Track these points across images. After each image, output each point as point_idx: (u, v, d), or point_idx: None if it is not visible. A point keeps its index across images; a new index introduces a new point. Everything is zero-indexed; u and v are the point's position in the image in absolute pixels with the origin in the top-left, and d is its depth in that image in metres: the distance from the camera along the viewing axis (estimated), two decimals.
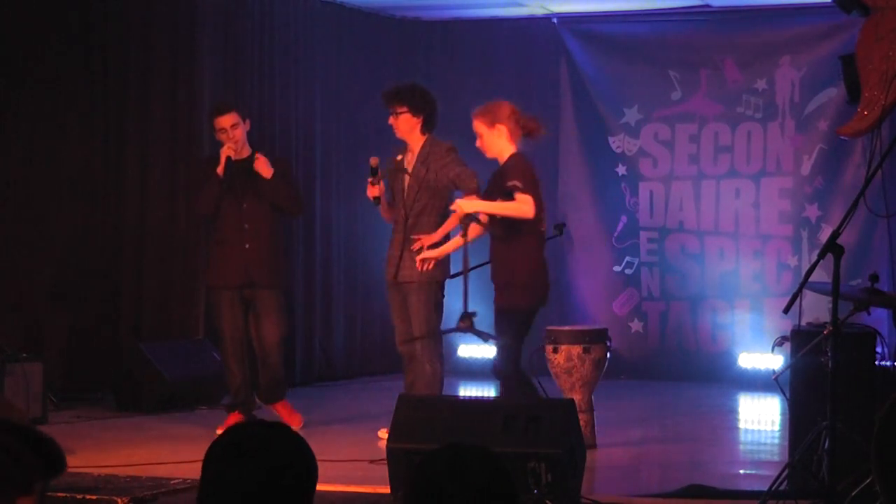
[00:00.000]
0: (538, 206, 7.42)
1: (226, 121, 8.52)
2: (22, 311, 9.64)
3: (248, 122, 8.63)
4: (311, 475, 2.68)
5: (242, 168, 8.48)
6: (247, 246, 8.49)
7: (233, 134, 8.49)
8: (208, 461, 2.65)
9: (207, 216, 8.75)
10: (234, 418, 8.59)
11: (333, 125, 11.42)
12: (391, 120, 8.24)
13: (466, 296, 7.41)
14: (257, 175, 8.45)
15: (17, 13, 9.55)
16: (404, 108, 8.13)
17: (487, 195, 7.61)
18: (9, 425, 2.61)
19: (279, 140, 10.92)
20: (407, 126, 8.15)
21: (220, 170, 8.43)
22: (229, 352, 8.63)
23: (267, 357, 8.68)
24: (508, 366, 7.44)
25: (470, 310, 7.45)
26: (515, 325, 7.43)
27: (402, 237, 8.12)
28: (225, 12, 10.60)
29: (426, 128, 8.14)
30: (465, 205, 7.54)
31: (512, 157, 7.51)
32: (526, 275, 7.45)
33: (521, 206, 7.36)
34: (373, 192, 8.10)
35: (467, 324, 7.54)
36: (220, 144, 8.57)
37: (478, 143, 7.63)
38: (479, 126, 7.56)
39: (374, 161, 8.03)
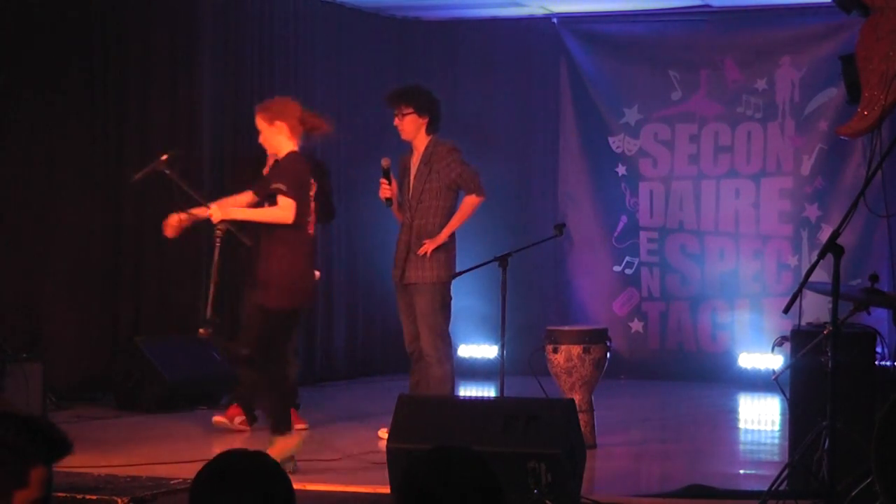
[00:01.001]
0: (302, 210, 7.17)
1: None
2: (22, 311, 9.64)
3: None
4: (290, 502, 2.77)
5: None
6: None
7: None
8: (195, 492, 2.74)
9: None
10: (234, 411, 8.59)
11: (333, 125, 11.38)
12: (396, 121, 8.20)
13: (212, 300, 7.15)
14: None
15: (18, 13, 9.54)
16: (410, 109, 8.10)
17: (260, 187, 7.35)
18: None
19: None
20: (413, 126, 8.12)
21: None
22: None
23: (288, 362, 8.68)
24: (265, 365, 7.21)
25: (209, 317, 7.30)
26: (270, 324, 7.17)
27: (408, 238, 8.10)
28: (225, 12, 10.61)
29: (431, 128, 8.12)
30: (219, 212, 7.22)
31: (287, 156, 7.26)
32: (279, 276, 7.16)
33: (278, 212, 7.12)
34: (385, 192, 8.07)
35: (207, 331, 7.46)
36: (222, 140, 8.55)
37: (259, 139, 7.41)
38: (259, 122, 7.31)
39: (385, 162, 8.00)
